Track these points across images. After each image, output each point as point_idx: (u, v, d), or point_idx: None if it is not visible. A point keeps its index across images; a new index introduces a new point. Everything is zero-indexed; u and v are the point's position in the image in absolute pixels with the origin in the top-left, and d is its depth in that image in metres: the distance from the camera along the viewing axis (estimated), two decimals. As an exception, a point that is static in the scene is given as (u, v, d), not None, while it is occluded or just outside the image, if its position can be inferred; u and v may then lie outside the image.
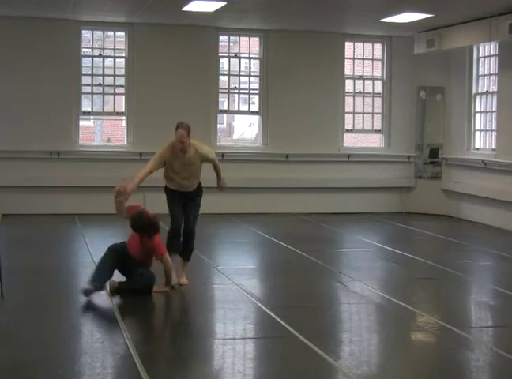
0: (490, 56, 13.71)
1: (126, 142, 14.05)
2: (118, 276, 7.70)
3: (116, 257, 7.59)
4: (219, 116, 15.12)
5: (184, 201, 8.07)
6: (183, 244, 8.14)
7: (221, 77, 14.40)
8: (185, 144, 7.83)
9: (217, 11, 12.10)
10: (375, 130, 15.20)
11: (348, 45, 14.98)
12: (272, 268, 9.43)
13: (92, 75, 14.01)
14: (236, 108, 15.21)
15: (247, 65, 14.84)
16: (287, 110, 14.31)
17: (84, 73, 13.89)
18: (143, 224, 7.53)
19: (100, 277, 7.45)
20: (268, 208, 14.03)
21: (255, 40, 14.49)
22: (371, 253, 10.41)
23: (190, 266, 8.93)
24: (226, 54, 14.59)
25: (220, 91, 14.35)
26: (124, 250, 7.66)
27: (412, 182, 14.89)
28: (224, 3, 11.54)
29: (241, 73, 14.70)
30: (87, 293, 7.29)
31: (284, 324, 6.58)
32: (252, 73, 14.74)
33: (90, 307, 7.18)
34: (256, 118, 15.07)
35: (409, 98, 14.82)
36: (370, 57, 15.20)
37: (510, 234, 12.31)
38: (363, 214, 14.28)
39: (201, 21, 13.33)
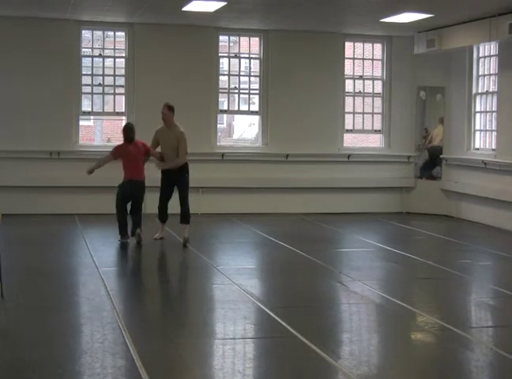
0: (490, 56, 13.70)
1: (126, 142, 14.02)
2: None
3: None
4: (219, 116, 15.11)
5: (173, 180, 10.39)
6: (181, 211, 10.39)
7: (221, 77, 14.39)
8: (165, 115, 10.39)
9: (217, 11, 12.10)
10: (375, 130, 15.19)
11: (348, 45, 14.97)
12: (272, 268, 9.43)
13: (92, 75, 14.01)
14: (236, 108, 15.19)
15: (247, 65, 14.83)
16: (287, 110, 14.30)
17: (84, 73, 13.89)
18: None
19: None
20: (268, 208, 14.02)
21: (255, 40, 14.48)
22: (371, 253, 10.40)
23: (190, 266, 8.97)
24: (226, 54, 14.58)
25: (220, 91, 14.34)
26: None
27: (412, 182, 14.88)
28: (224, 3, 11.54)
29: (241, 73, 14.69)
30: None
31: (284, 324, 6.58)
32: (252, 73, 14.73)
33: (90, 307, 7.20)
34: (256, 118, 15.06)
35: (409, 98, 14.81)
36: (370, 57, 15.19)
37: (510, 234, 12.30)
38: (363, 214, 14.27)
39: (201, 21, 13.32)
